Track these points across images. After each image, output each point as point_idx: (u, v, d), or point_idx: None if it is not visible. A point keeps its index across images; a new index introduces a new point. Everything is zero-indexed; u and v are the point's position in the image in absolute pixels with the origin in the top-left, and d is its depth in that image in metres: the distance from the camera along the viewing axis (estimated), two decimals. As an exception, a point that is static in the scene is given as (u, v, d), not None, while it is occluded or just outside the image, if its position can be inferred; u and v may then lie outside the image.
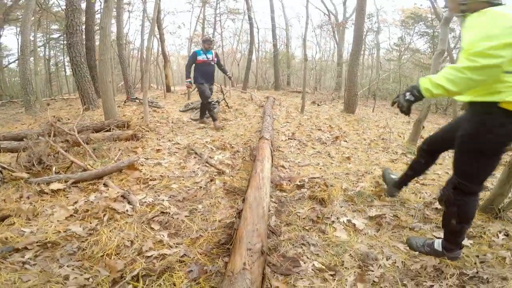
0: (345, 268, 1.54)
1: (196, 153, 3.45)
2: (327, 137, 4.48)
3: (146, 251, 1.58)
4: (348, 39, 16.67)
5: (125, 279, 1.35)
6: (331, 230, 1.90)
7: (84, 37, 8.10)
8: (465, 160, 1.39)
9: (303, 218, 2.05)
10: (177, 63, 28.91)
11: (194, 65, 5.08)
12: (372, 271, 1.52)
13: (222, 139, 4.21)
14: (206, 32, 16.99)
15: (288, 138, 4.38)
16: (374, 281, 1.45)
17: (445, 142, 1.72)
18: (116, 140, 3.84)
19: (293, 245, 1.71)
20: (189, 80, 5.22)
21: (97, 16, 9.78)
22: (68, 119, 5.60)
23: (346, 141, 4.28)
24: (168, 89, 12.46)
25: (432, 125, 6.78)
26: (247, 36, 21.09)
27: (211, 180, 2.65)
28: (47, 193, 2.19)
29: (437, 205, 2.19)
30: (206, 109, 5.22)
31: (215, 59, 5.23)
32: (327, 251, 1.68)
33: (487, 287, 1.40)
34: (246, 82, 14.40)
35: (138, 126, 4.62)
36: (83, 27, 8.21)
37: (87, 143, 3.41)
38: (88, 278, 1.36)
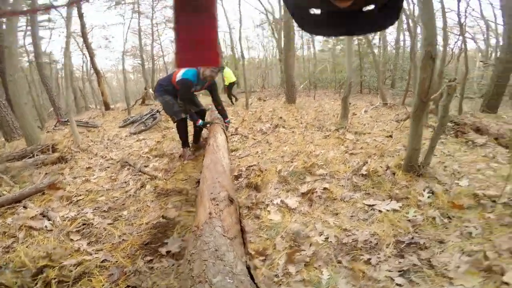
0: (277, 251, 1.50)
1: (130, 165, 3.31)
2: (268, 126, 4.63)
3: (61, 260, 1.51)
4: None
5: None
6: (265, 214, 1.90)
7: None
8: None
9: (240, 207, 2.07)
10: (116, 79, 27.22)
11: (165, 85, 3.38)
12: (304, 250, 1.48)
13: (162, 148, 4.10)
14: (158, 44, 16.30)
15: (231, 134, 4.42)
16: (306, 262, 1.39)
17: None
18: (41, 166, 3.54)
19: None
20: (201, 122, 3.40)
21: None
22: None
23: (284, 127, 4.47)
24: (107, 107, 11.66)
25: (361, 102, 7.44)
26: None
27: (142, 187, 2.58)
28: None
29: (364, 171, 2.32)
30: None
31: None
32: (261, 236, 1.66)
33: (426, 253, 1.37)
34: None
35: (66, 148, 4.26)
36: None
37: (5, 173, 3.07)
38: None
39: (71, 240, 1.75)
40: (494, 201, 1.72)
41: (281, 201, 2.04)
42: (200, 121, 3.34)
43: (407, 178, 2.12)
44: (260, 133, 4.32)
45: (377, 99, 8.86)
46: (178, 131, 3.40)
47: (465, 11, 12.91)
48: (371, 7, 0.33)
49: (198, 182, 1.89)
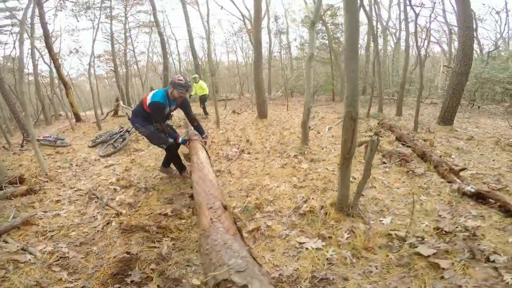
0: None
1: (97, 197, 3.39)
2: (234, 152, 4.82)
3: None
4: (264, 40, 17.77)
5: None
6: None
7: None
8: None
9: (195, 242, 2.22)
10: (90, 83, 26.33)
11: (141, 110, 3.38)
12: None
13: (129, 177, 4.18)
14: (150, 58, 16.10)
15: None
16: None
17: None
18: (11, 198, 3.56)
19: (178, 267, 1.94)
20: (181, 139, 3.47)
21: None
22: None
23: (249, 153, 4.69)
24: (78, 118, 11.37)
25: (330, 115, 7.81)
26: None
27: (108, 223, 2.72)
28: None
29: (304, 209, 2.54)
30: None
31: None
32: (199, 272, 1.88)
33: (332, 288, 1.58)
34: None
35: (34, 178, 4.25)
36: None
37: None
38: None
39: (53, 271, 2.00)
40: (404, 240, 2.03)
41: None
42: (181, 139, 3.41)
43: (337, 218, 2.33)
44: (225, 159, 4.50)
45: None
46: (173, 157, 3.52)
47: (430, 17, 13.71)
48: None
49: (191, 196, 2.28)
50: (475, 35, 14.13)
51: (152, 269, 1.90)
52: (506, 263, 1.67)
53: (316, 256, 1.93)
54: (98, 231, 2.58)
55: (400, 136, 4.59)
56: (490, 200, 2.45)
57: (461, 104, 9.67)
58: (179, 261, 2.02)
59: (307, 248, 2.04)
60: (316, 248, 2.04)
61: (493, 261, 1.70)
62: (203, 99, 9.54)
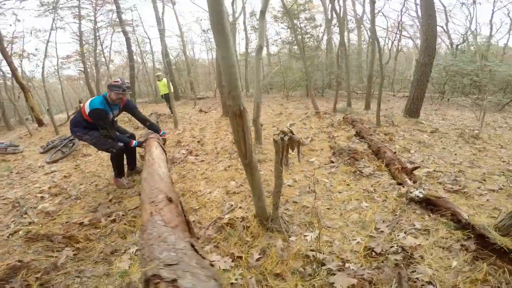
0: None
1: (20, 206, 3.17)
2: (182, 153, 4.36)
3: None
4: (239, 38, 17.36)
5: None
6: (118, 261, 1.93)
7: None
8: None
9: (100, 253, 2.09)
10: (60, 84, 25.00)
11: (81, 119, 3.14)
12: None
13: (63, 184, 3.79)
14: (103, 63, 15.24)
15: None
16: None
17: None
18: None
19: (66, 278, 1.80)
20: (135, 143, 3.31)
21: None
22: None
23: (197, 155, 4.23)
24: (40, 123, 10.59)
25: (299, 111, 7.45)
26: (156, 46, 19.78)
27: (16, 232, 2.52)
28: None
29: (225, 220, 2.19)
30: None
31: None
32: (101, 281, 1.76)
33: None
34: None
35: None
36: None
37: None
38: None
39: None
40: (323, 265, 1.62)
41: (136, 250, 1.99)
42: (134, 142, 3.27)
43: (255, 232, 1.98)
44: (170, 163, 4.03)
45: (321, 103, 9.07)
46: (116, 161, 3.26)
47: (401, 11, 13.69)
48: None
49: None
50: (445, 29, 14.27)
51: (36, 278, 1.77)
52: (441, 298, 1.29)
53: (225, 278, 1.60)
54: (3, 239, 2.41)
55: (360, 130, 4.24)
56: (441, 208, 2.10)
57: (431, 97, 9.65)
58: (71, 271, 1.87)
59: None
60: (223, 269, 1.70)
61: (426, 296, 1.32)
62: (168, 98, 8.99)
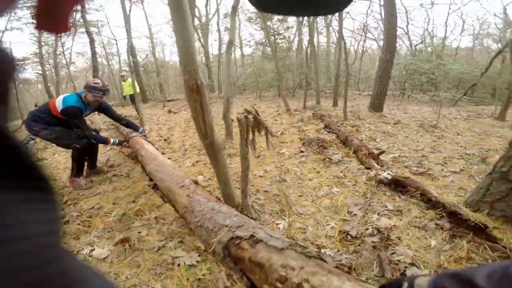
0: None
1: None
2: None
3: None
4: (212, 39, 17.17)
5: None
6: None
7: None
8: None
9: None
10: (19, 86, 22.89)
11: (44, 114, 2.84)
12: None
13: None
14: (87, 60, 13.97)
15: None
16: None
17: None
18: None
19: None
20: (113, 141, 3.11)
21: None
22: None
23: (163, 153, 3.97)
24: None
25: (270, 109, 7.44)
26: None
27: None
28: None
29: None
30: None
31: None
32: None
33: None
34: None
35: None
36: None
37: None
38: None
39: None
40: None
41: (91, 249, 1.77)
42: (112, 140, 3.07)
43: None
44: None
45: (293, 102, 9.17)
46: (77, 158, 2.91)
47: (367, 13, 14.35)
48: None
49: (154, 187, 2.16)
50: (406, 31, 15.27)
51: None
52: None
53: (186, 276, 1.45)
54: None
55: (328, 123, 4.31)
56: (410, 188, 2.11)
57: (393, 95, 10.21)
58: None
59: (179, 264, 1.56)
60: (190, 265, 1.54)
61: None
62: (133, 98, 8.50)
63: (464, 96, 8.72)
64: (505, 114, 5.73)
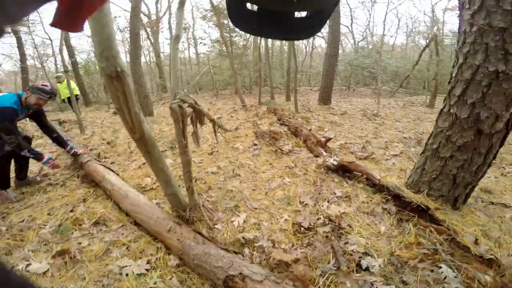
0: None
1: None
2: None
3: None
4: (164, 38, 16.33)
5: None
6: None
7: None
8: None
9: None
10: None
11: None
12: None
13: None
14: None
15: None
16: None
17: None
18: None
19: None
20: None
21: None
22: None
23: (105, 157, 3.61)
24: None
25: (227, 106, 7.32)
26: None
27: None
28: None
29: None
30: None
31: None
32: None
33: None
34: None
35: None
36: None
37: None
38: None
39: None
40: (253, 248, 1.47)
41: (26, 265, 1.58)
42: (47, 157, 2.59)
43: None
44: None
45: (249, 99, 9.15)
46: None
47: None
48: (304, 13, 0.34)
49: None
50: (350, 29, 16.37)
51: None
52: (383, 269, 1.26)
53: (136, 285, 1.35)
54: None
55: (280, 116, 4.38)
56: (355, 172, 2.20)
57: (340, 89, 10.86)
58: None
59: (127, 274, 1.44)
60: (138, 274, 1.43)
61: (367, 269, 1.27)
62: (71, 101, 7.60)
63: (400, 88, 9.65)
64: (434, 102, 6.48)
